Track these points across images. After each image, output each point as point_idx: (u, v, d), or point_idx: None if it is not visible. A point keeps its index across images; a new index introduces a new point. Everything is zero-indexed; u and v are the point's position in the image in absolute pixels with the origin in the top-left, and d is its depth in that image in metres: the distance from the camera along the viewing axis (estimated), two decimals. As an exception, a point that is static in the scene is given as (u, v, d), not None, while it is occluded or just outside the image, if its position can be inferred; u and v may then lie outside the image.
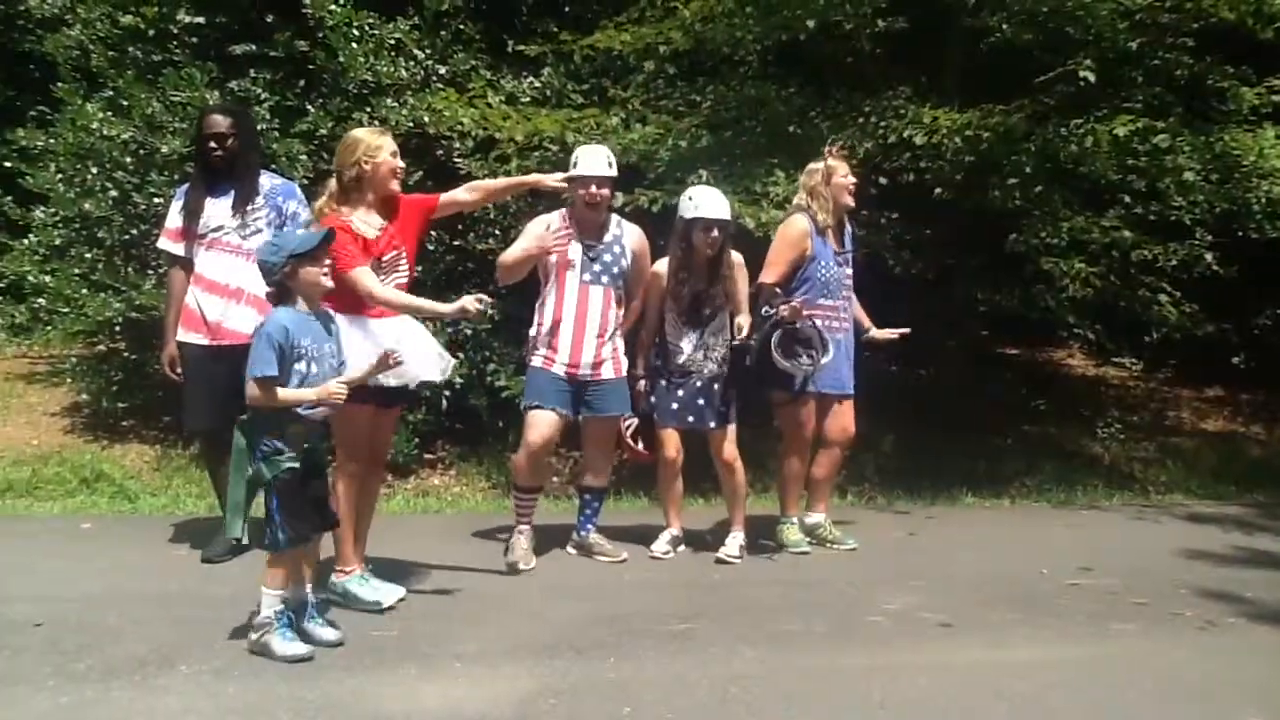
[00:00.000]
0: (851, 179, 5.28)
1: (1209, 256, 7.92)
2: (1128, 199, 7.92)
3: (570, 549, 5.24)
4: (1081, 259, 7.55)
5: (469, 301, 4.02)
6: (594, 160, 4.88)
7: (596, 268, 4.94)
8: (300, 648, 3.72)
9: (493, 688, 3.51)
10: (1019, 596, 4.68)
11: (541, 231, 4.90)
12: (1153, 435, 8.97)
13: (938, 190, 7.28)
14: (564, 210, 5.05)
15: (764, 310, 5.07)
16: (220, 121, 4.94)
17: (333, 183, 4.28)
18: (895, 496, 6.90)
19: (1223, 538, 6.03)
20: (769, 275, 5.18)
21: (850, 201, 5.30)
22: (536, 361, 4.93)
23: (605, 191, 4.91)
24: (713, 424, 5.12)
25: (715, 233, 4.94)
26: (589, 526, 5.21)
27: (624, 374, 5.06)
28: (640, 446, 5.19)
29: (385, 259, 4.23)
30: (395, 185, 4.27)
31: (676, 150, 6.94)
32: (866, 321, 5.64)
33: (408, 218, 4.35)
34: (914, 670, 3.72)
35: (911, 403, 7.81)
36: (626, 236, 5.06)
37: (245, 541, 3.97)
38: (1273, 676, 3.80)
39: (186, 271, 4.98)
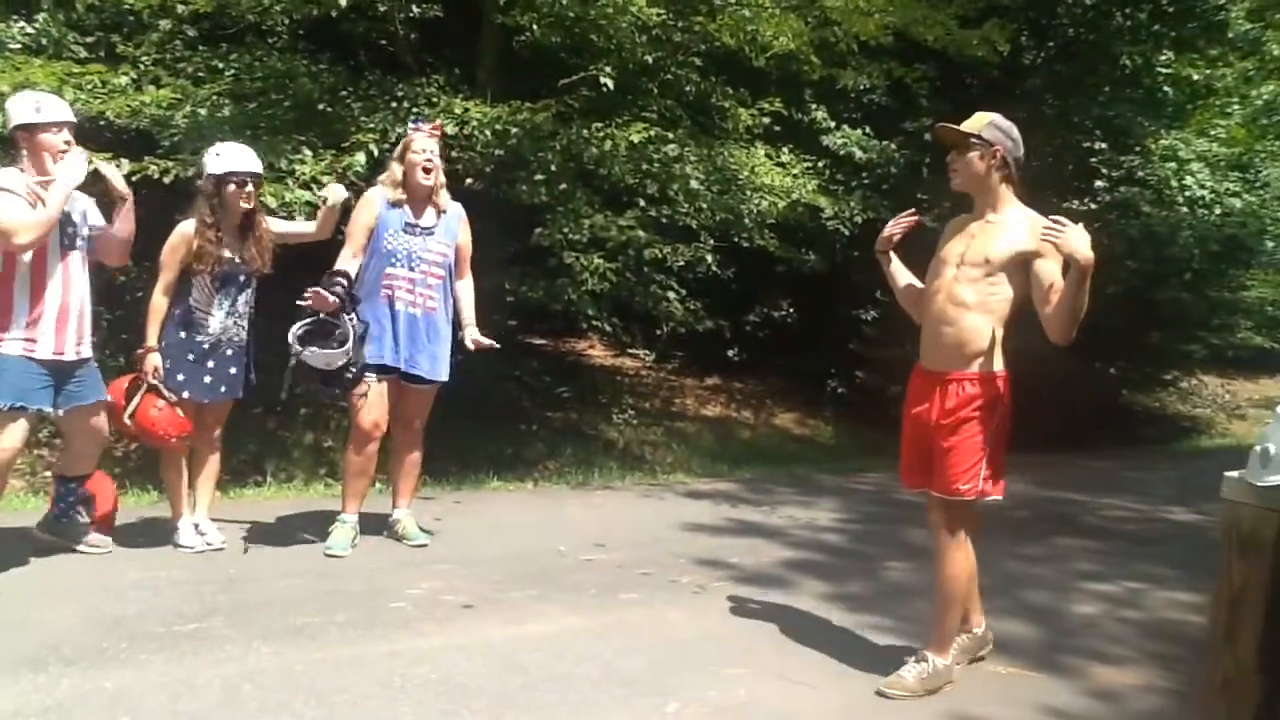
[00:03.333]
0: (428, 155, 4.97)
1: (710, 259, 8.75)
2: (643, 202, 8.55)
3: (42, 534, 4.67)
4: (601, 255, 8.04)
5: None
6: (60, 106, 4.37)
7: (70, 229, 4.33)
8: None
9: (-46, 712, 3.06)
10: (537, 574, 4.87)
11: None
12: (661, 420, 9.79)
13: (469, 181, 7.41)
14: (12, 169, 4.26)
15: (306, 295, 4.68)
16: None
17: None
18: (421, 483, 6.91)
19: (715, 511, 6.69)
20: (346, 246, 4.95)
21: (421, 178, 4.96)
22: (11, 349, 4.16)
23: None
24: (240, 394, 4.92)
25: (249, 186, 4.73)
26: (70, 514, 4.69)
27: None
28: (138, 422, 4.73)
29: None
30: None
31: (195, 118, 6.48)
32: (465, 316, 5.23)
33: None
34: (435, 652, 3.75)
35: (440, 390, 7.88)
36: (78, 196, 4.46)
37: None
38: (753, 632, 4.24)
39: None
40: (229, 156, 4.76)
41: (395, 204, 5.00)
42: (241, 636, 3.80)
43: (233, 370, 4.86)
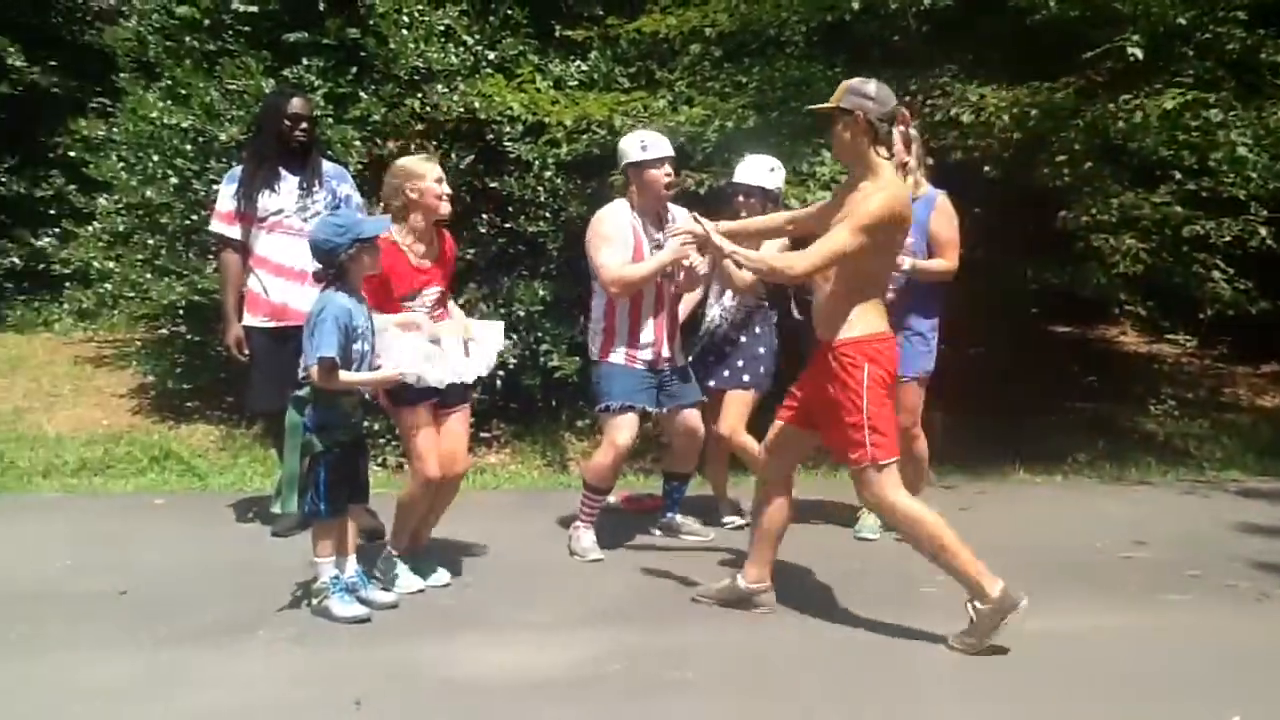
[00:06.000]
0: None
1: (1263, 232, 7.82)
2: (1178, 175, 7.85)
3: (656, 530, 5.30)
4: (1132, 235, 7.49)
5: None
6: (661, 143, 4.88)
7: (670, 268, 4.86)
8: (358, 609, 3.92)
9: (556, 653, 3.64)
10: (1072, 569, 4.72)
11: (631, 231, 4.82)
12: (1207, 412, 8.91)
13: (986, 168, 7.27)
14: (623, 201, 4.93)
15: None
16: (304, 105, 5.16)
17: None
18: (945, 471, 6.89)
19: (1277, 512, 5.99)
20: None
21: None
22: (618, 359, 4.81)
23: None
24: (756, 386, 5.30)
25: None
26: (675, 510, 5.31)
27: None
28: None
29: (427, 292, 4.31)
30: (444, 208, 4.26)
31: (723, 131, 6.98)
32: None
33: (450, 257, 4.51)
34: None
35: (961, 382, 7.80)
36: (680, 218, 4.98)
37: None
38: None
39: (240, 254, 5.12)
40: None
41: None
42: (783, 607, 4.11)
43: (740, 362, 5.20)
